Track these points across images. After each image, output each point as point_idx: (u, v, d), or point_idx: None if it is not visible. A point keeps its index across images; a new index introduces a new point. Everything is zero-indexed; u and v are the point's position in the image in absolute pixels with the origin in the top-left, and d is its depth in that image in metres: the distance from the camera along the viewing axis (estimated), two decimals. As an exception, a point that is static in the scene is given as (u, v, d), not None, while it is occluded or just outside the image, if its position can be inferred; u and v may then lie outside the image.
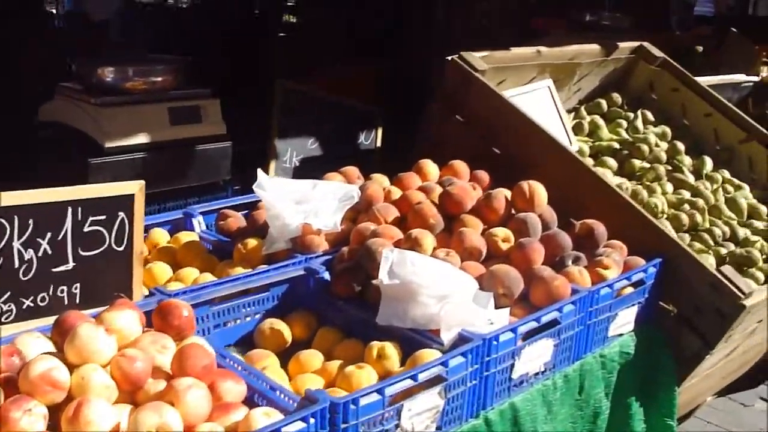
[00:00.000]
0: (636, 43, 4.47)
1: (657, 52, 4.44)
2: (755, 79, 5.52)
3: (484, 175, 3.28)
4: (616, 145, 4.09)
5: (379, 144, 3.96)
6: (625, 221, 3.10)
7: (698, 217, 3.65)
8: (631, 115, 4.31)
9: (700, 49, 6.55)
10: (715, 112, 4.32)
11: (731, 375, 3.84)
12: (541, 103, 3.94)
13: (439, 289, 2.44)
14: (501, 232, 2.84)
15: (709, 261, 3.36)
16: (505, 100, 3.39)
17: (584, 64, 4.18)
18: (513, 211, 2.97)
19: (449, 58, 3.54)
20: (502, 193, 2.96)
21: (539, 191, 2.94)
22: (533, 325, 2.49)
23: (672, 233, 3.04)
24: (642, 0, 11.19)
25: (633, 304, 2.92)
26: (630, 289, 2.90)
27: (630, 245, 3.06)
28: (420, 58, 5.91)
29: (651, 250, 3.04)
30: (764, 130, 4.22)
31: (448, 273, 2.54)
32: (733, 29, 6.37)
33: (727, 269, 2.95)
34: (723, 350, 3.16)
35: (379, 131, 3.98)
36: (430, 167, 3.27)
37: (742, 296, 2.89)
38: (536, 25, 7.41)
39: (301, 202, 2.99)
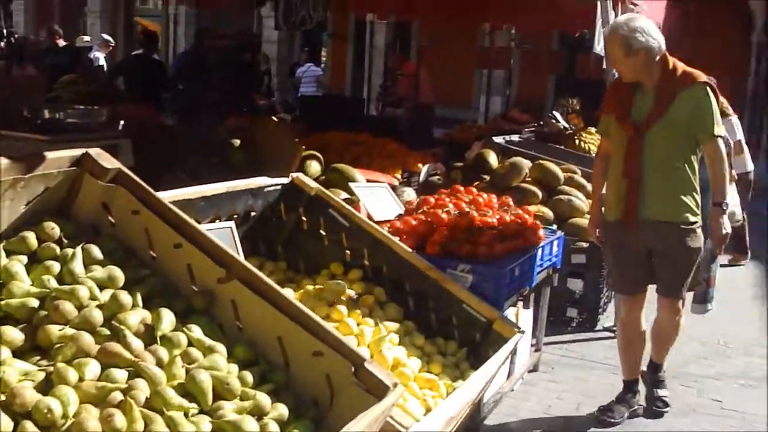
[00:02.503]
0: (79, 152, 3.21)
1: (109, 163, 3.20)
2: (283, 180, 4.47)
3: None
4: (35, 302, 2.79)
5: None
6: None
7: (137, 419, 2.41)
8: (70, 252, 3.02)
9: (237, 143, 5.50)
10: (185, 242, 3.15)
11: None
12: None
13: None
14: None
15: None
16: None
17: (-20, 188, 2.85)
18: None
19: None
20: None
21: None
22: None
23: None
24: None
25: None
26: None
27: None
28: None
29: None
30: (248, 266, 3.10)
31: None
32: (281, 118, 5.39)
33: None
34: None
35: None
36: None
37: None
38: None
39: None
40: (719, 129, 5.08)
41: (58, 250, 3.05)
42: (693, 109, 5.05)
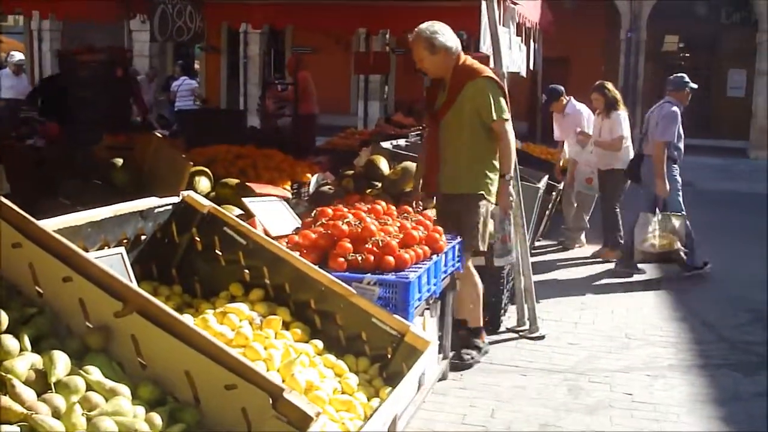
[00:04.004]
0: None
1: (-18, 192, 2.89)
2: (174, 200, 4.18)
3: None
4: None
5: None
6: None
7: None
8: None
9: (120, 162, 5.19)
10: (75, 274, 2.86)
11: None
12: None
13: None
14: None
15: None
16: None
17: None
18: None
19: None
20: None
21: None
22: None
23: None
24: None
25: None
26: None
27: None
28: None
29: None
30: (147, 296, 2.84)
31: None
32: (159, 133, 5.11)
33: None
34: None
35: None
36: None
37: None
38: None
39: None
40: (504, 114, 5.94)
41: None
42: (477, 98, 5.90)
